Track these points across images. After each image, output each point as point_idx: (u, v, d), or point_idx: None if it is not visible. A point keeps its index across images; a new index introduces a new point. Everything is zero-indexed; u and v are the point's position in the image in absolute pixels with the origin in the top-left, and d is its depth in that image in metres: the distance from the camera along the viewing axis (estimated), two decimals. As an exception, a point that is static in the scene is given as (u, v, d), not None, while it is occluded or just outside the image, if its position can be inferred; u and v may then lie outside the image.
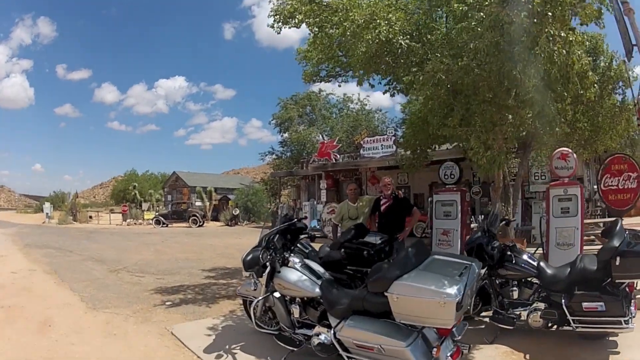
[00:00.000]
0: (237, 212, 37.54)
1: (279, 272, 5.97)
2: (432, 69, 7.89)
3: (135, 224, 40.69)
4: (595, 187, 17.29)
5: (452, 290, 4.43)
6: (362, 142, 27.86)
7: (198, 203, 44.41)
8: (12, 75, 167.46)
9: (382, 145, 27.04)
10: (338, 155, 29.63)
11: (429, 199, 10.92)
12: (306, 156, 38.22)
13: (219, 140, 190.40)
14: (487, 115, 8.09)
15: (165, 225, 36.81)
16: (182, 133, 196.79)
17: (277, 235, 6.40)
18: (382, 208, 9.05)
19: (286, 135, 45.81)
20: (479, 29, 7.35)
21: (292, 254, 6.33)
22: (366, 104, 47.39)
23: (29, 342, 7.03)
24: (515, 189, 11.75)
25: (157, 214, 40.66)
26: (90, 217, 46.21)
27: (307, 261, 6.32)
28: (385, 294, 4.76)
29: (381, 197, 9.22)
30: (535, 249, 8.95)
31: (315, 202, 29.17)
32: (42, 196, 74.36)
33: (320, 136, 43.48)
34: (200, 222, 36.63)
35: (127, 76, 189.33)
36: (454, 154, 18.88)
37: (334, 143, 30.53)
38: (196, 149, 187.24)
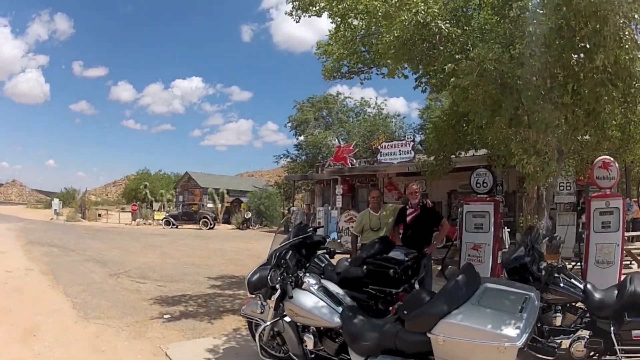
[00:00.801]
0: (249, 215, 36.47)
1: (291, 296, 4.84)
2: (479, 56, 6.88)
3: (144, 224, 39.92)
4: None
5: (514, 331, 3.47)
6: (379, 147, 26.76)
7: (210, 205, 43.29)
8: (27, 71, 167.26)
9: (400, 150, 25.89)
10: (354, 160, 28.75)
11: (459, 210, 9.88)
12: (321, 160, 37.57)
13: (234, 142, 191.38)
14: (541, 114, 6.95)
15: (175, 226, 35.96)
16: (197, 133, 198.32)
17: (290, 251, 5.36)
18: (409, 219, 8.13)
19: (302, 138, 45.39)
20: (539, 11, 6.33)
21: (307, 274, 5.26)
22: (383, 109, 46.90)
23: (8, 352, 6.36)
24: (547, 200, 10.69)
25: (167, 214, 39.72)
26: (99, 215, 45.50)
27: (325, 282, 5.24)
28: (428, 335, 3.77)
29: (407, 207, 8.31)
30: (571, 266, 8.00)
31: (329, 208, 28.45)
32: (54, 192, 73.77)
33: (337, 140, 42.90)
34: (211, 224, 35.57)
35: (144, 75, 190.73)
36: (477, 162, 18.13)
37: (351, 147, 29.63)
38: (211, 150, 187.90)
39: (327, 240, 7.17)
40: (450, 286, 4.11)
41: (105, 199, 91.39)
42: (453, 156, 12.17)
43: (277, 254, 5.22)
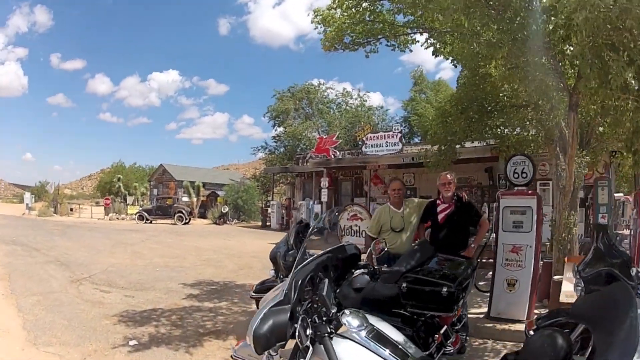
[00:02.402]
0: (226, 209, 34.94)
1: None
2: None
3: (117, 218, 38.36)
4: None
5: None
6: (364, 139, 25.54)
7: (185, 198, 41.68)
8: (7, 63, 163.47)
9: (387, 142, 24.80)
10: (337, 152, 27.56)
11: (494, 204, 8.28)
12: (301, 152, 36.53)
13: (210, 136, 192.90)
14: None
15: (148, 221, 34.39)
16: (173, 127, 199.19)
17: (324, 280, 3.59)
18: (441, 217, 6.66)
19: (280, 129, 43.99)
20: None
21: (345, 310, 3.30)
22: (366, 100, 45.87)
23: None
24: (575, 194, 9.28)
25: (140, 208, 38.22)
26: (71, 209, 43.85)
27: (374, 321, 3.41)
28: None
29: (438, 201, 6.83)
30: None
31: (312, 202, 27.40)
32: (30, 186, 72.86)
33: (317, 132, 41.46)
34: (186, 219, 34.07)
35: (121, 68, 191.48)
36: (479, 153, 16.77)
37: (334, 139, 28.42)
38: (187, 143, 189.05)
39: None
40: None
41: (81, 193, 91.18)
42: (458, 146, 11.54)
43: (295, 281, 3.32)
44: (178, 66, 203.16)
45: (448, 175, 6.77)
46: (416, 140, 37.95)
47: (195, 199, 40.10)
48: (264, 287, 7.04)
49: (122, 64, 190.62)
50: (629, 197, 18.77)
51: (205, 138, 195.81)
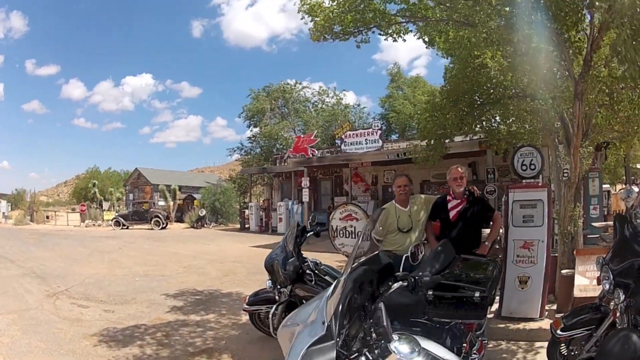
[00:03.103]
0: (204, 213, 34.06)
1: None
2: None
3: (93, 225, 37.18)
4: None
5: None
6: (343, 137, 25.24)
7: (161, 203, 41.07)
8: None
9: (366, 139, 24.65)
10: (316, 151, 27.31)
11: (503, 199, 7.83)
12: (277, 152, 36.26)
13: (184, 139, 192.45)
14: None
15: (125, 227, 33.52)
16: (147, 131, 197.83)
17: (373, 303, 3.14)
18: (452, 214, 6.19)
19: (256, 130, 43.34)
20: None
21: (398, 337, 2.65)
22: (342, 98, 45.67)
23: None
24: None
25: (116, 214, 37.26)
26: (47, 217, 43.20)
27: (427, 344, 2.89)
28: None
29: (448, 197, 6.35)
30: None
31: (292, 203, 27.06)
32: (7, 194, 71.71)
33: (293, 131, 41.26)
34: (163, 223, 33.28)
35: (95, 72, 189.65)
36: (467, 147, 16.39)
37: (312, 137, 28.20)
38: (161, 147, 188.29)
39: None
40: None
41: (57, 200, 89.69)
42: (448, 140, 11.27)
43: (342, 309, 2.68)
44: (151, 70, 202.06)
45: (459, 169, 6.29)
46: (394, 137, 37.69)
47: (171, 203, 39.25)
48: (258, 299, 6.49)
49: (95, 69, 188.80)
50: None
51: (179, 141, 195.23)
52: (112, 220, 34.97)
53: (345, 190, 27.11)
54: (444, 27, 9.19)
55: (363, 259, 3.71)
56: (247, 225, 30.17)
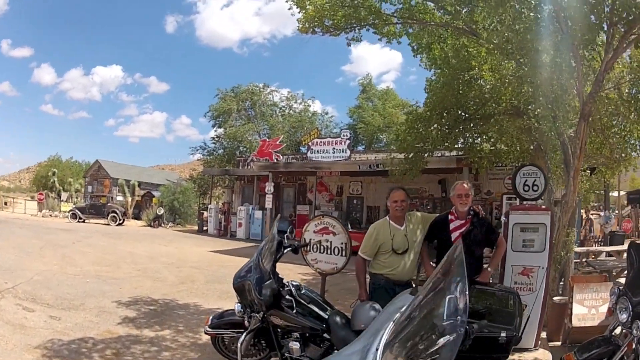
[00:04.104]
0: (162, 211, 33.01)
1: None
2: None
3: (50, 215, 35.93)
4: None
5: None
6: (310, 144, 24.77)
7: (119, 198, 40.06)
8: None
9: (334, 148, 24.19)
10: (280, 156, 26.81)
11: (502, 220, 7.26)
12: (241, 155, 35.73)
13: (148, 134, 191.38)
14: None
15: (81, 220, 32.20)
16: (112, 123, 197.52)
17: None
18: (455, 235, 5.44)
19: (220, 130, 42.49)
20: None
21: None
22: (310, 105, 45.30)
23: None
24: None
25: (73, 206, 35.89)
26: (5, 204, 42.33)
27: None
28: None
29: (451, 217, 5.59)
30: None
31: (252, 208, 26.21)
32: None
33: (258, 135, 40.58)
34: (120, 219, 32.10)
35: (66, 59, 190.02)
36: (443, 163, 15.96)
37: (277, 142, 27.53)
38: (124, 141, 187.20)
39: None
40: None
41: (18, 186, 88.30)
42: (427, 154, 11.02)
43: None
44: (122, 61, 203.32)
45: (465, 185, 5.58)
46: (360, 148, 37.38)
47: (130, 199, 38.26)
48: (223, 323, 5.46)
49: (68, 55, 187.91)
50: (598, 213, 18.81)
51: (142, 136, 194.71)
52: (68, 212, 33.74)
53: (308, 199, 26.48)
54: (443, 33, 8.66)
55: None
56: (205, 228, 29.23)
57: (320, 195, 25.89)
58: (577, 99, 6.98)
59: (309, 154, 24.61)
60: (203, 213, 30.87)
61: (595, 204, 25.44)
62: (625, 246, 14.53)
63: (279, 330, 4.74)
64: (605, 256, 12.74)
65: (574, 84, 6.75)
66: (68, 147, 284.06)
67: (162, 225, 32.57)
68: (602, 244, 17.10)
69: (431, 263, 5.63)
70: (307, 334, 4.66)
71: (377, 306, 4.44)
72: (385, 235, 5.45)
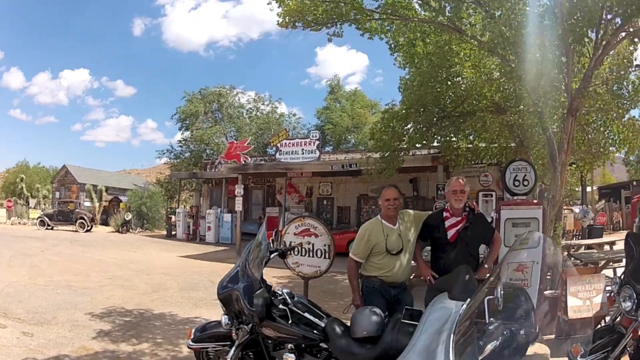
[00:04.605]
0: (130, 217, 32.19)
1: None
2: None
3: (19, 223, 35.10)
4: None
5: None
6: (279, 145, 24.36)
7: (87, 203, 39.05)
8: None
9: (303, 149, 23.83)
10: (249, 158, 26.25)
11: (493, 216, 7.09)
12: (208, 158, 35.69)
13: (113, 139, 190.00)
14: None
15: (50, 227, 31.58)
16: (78, 128, 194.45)
17: None
18: (451, 233, 5.22)
19: (187, 133, 41.87)
20: None
21: None
22: (277, 107, 45.02)
23: None
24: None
25: (42, 213, 35.09)
26: (-26, 212, 40.81)
27: None
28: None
29: (446, 215, 5.34)
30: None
31: (221, 211, 25.95)
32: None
33: (225, 137, 40.42)
34: (88, 226, 31.35)
35: (35, 62, 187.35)
36: (418, 162, 15.84)
37: (245, 144, 27.05)
38: (90, 145, 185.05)
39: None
40: None
41: None
42: (403, 153, 11.16)
43: None
44: (89, 64, 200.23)
45: (460, 180, 5.32)
46: (328, 149, 37.25)
47: (97, 204, 37.15)
48: (206, 336, 5.00)
49: (36, 58, 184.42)
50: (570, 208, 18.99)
51: (108, 141, 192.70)
52: (37, 220, 33.01)
53: (278, 200, 26.24)
54: (427, 29, 8.49)
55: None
56: (173, 233, 28.73)
57: (289, 197, 25.68)
58: (565, 94, 6.88)
59: (277, 156, 24.23)
60: (171, 217, 30.35)
61: (565, 199, 25.88)
62: (604, 239, 14.76)
63: (269, 341, 4.37)
64: (585, 249, 12.83)
65: (563, 79, 6.65)
66: (35, 153, 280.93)
67: (131, 230, 31.88)
68: (579, 237, 17.31)
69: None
70: (303, 345, 4.30)
71: (378, 311, 4.17)
72: (378, 236, 5.17)
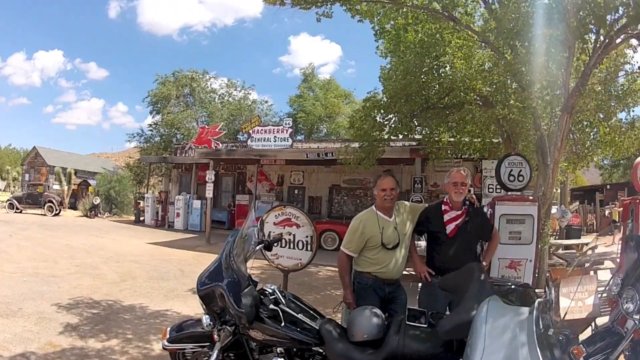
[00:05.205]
0: (98, 201, 31.61)
1: None
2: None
3: (-11, 206, 34.28)
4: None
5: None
6: (251, 132, 24.23)
7: (56, 186, 38.32)
8: None
9: (275, 137, 23.80)
10: (220, 144, 26.19)
11: (486, 210, 6.89)
12: (178, 142, 35.12)
13: (85, 122, 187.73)
14: None
15: (19, 210, 31.03)
16: (50, 110, 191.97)
17: None
18: (450, 228, 4.92)
19: (158, 117, 41.17)
20: None
21: None
22: (250, 93, 44.58)
23: None
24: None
25: (11, 196, 34.51)
26: (-54, 195, 39.79)
27: None
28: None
29: (445, 208, 5.04)
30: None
31: (190, 197, 25.51)
32: None
33: (196, 122, 39.99)
34: (56, 209, 30.66)
35: (10, 42, 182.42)
36: (397, 153, 15.65)
37: (217, 129, 26.96)
38: (62, 128, 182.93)
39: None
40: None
41: None
42: (381, 145, 11.04)
43: None
44: (63, 46, 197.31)
45: (462, 172, 4.99)
46: (299, 137, 37.00)
47: (66, 188, 36.78)
48: (183, 336, 4.53)
49: (11, 38, 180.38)
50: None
51: (79, 124, 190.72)
52: (6, 202, 32.34)
53: (248, 188, 25.94)
54: (420, 15, 8.25)
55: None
56: (142, 218, 28.25)
57: (260, 185, 25.21)
58: (562, 90, 6.74)
59: (249, 142, 24.03)
60: (140, 203, 29.77)
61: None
62: (583, 240, 14.83)
63: (254, 344, 3.96)
64: (563, 249, 12.72)
65: (560, 75, 6.51)
66: (6, 134, 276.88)
67: (99, 215, 31.28)
68: (556, 237, 17.24)
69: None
70: (294, 349, 3.93)
71: (379, 312, 3.84)
72: (373, 228, 4.82)
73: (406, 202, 5.23)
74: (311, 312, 4.12)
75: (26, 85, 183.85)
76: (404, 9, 8.28)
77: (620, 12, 5.81)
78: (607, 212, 29.23)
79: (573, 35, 5.89)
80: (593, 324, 5.41)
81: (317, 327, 3.91)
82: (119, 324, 7.48)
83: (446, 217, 4.96)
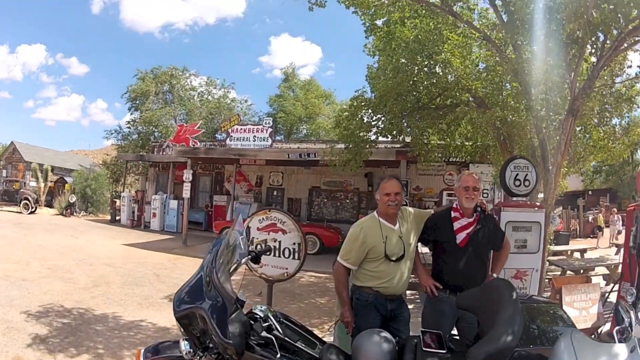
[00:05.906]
0: (74, 199, 30.73)
1: None
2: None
3: (-34, 203, 33.30)
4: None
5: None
6: (230, 130, 23.78)
7: (32, 183, 37.43)
8: None
9: (255, 136, 23.41)
10: (198, 142, 25.44)
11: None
12: (155, 140, 34.62)
13: (64, 118, 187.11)
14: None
15: (-5, 208, 30.27)
16: (30, 105, 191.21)
17: None
18: (462, 237, 4.46)
19: (137, 114, 40.50)
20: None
21: None
22: (229, 91, 44.03)
23: None
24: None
25: (-14, 192, 33.80)
26: None
27: None
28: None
29: (455, 215, 4.56)
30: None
31: (167, 197, 24.84)
32: None
33: (174, 120, 39.40)
34: (32, 207, 29.84)
35: None
36: (382, 155, 15.30)
37: (195, 128, 26.22)
38: (41, 124, 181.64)
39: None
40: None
41: None
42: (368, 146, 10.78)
43: None
44: (46, 40, 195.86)
45: (474, 175, 4.57)
46: (278, 137, 36.63)
47: (42, 185, 35.53)
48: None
49: None
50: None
51: (59, 119, 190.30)
52: (-19, 199, 31.42)
53: (226, 188, 25.53)
54: (419, 9, 7.94)
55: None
56: (118, 218, 27.48)
57: (238, 185, 24.76)
58: (569, 92, 6.46)
59: (228, 141, 23.55)
60: (116, 202, 29.14)
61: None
62: (573, 246, 14.74)
63: None
64: (551, 255, 12.44)
65: (567, 76, 6.22)
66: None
67: (75, 214, 30.45)
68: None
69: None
70: None
71: (389, 336, 3.33)
72: (376, 238, 4.29)
73: (410, 208, 4.72)
74: (308, 336, 3.60)
75: (8, 79, 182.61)
76: (402, 1, 7.98)
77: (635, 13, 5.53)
78: (590, 217, 29.54)
79: (590, 32, 5.58)
80: (595, 333, 5.20)
81: (318, 356, 3.35)
82: (90, 336, 6.96)
83: (456, 225, 4.50)
